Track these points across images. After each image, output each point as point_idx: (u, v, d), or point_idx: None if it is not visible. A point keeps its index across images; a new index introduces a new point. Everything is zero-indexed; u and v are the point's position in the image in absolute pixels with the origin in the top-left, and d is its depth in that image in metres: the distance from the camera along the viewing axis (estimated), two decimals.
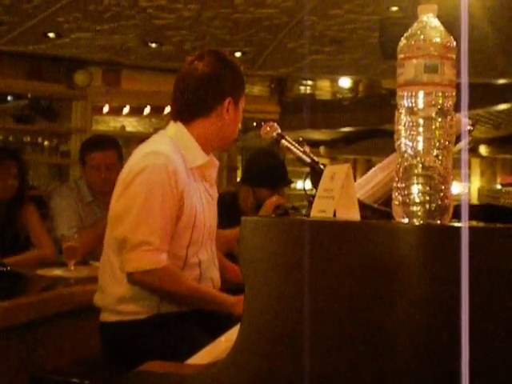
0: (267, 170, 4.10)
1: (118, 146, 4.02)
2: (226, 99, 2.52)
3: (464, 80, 1.37)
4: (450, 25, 1.44)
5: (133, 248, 2.32)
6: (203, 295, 2.45)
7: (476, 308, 1.22)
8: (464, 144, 1.79)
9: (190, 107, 2.53)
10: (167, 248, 2.36)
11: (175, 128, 2.54)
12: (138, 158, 2.44)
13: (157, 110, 8.73)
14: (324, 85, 12.67)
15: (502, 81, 8.81)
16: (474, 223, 1.42)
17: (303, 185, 2.45)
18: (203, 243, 2.53)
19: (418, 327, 1.26)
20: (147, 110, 8.75)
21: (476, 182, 16.60)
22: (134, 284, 2.37)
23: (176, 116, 2.57)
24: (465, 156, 1.50)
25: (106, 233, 2.54)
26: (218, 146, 2.63)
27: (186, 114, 2.54)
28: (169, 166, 2.35)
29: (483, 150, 15.25)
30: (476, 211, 1.90)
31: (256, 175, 4.12)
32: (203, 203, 2.52)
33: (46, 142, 10.22)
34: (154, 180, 2.34)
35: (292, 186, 5.13)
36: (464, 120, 1.78)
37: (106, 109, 8.65)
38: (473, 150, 14.80)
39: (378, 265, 1.27)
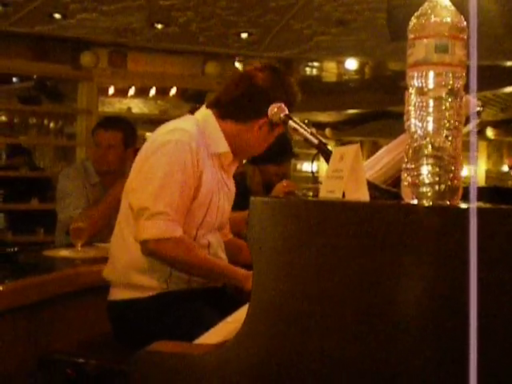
0: (270, 147, 4.08)
1: (125, 129, 4.03)
2: (263, 118, 2.52)
3: (473, 61, 1.36)
4: (459, 6, 1.43)
5: (151, 216, 2.34)
6: (216, 267, 2.47)
7: (485, 288, 1.22)
8: (473, 125, 1.78)
9: (229, 107, 2.57)
10: (182, 221, 2.40)
11: (205, 113, 2.59)
12: (163, 131, 2.50)
13: (162, 92, 8.71)
14: (330, 66, 12.62)
15: (509, 63, 8.77)
16: (482, 204, 1.41)
17: (311, 167, 2.45)
18: (213, 228, 2.57)
19: (426, 308, 1.26)
20: (153, 92, 8.73)
21: (483, 165, 16.53)
22: (147, 253, 2.39)
23: (213, 106, 2.61)
24: (473, 138, 1.49)
25: (121, 204, 2.58)
26: (237, 153, 2.65)
27: (222, 109, 2.58)
28: (192, 145, 2.40)
29: (490, 132, 15.19)
30: (482, 193, 1.90)
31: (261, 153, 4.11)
32: (219, 190, 2.56)
33: (51, 124, 10.24)
34: (178, 155, 2.38)
35: (298, 167, 5.12)
36: (473, 101, 1.77)
37: (111, 90, 8.63)
38: (479, 133, 14.73)
39: (388, 245, 1.27)
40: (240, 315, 1.86)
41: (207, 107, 2.62)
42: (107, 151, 3.96)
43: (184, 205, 2.39)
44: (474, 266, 1.21)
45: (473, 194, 1.32)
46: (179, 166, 2.37)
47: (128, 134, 4.02)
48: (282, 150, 4.11)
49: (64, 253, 3.37)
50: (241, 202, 2.76)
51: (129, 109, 9.63)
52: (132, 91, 8.83)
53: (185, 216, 2.41)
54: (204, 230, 2.51)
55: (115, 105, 10.01)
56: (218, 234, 2.67)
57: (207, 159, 2.49)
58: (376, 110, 13.18)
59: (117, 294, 2.50)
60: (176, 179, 2.36)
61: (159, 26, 7.06)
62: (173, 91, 8.42)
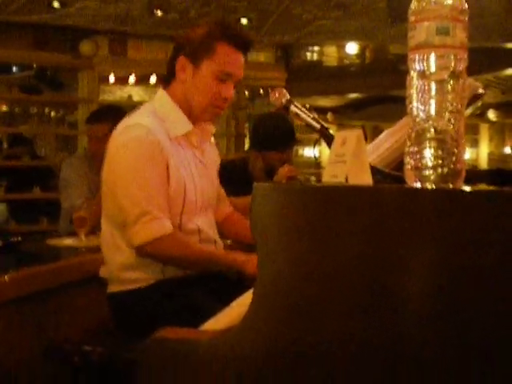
0: (272, 133, 4.06)
1: (113, 120, 3.98)
2: (177, 57, 2.46)
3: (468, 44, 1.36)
4: None
5: (134, 222, 2.31)
6: (213, 257, 2.44)
7: (487, 271, 1.22)
8: (470, 108, 1.78)
9: (166, 70, 2.53)
10: (168, 215, 2.36)
11: (160, 96, 2.54)
12: (119, 131, 2.45)
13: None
14: (331, 51, 12.60)
15: (510, 45, 8.74)
16: (484, 187, 1.42)
17: (313, 152, 2.45)
18: (197, 210, 2.51)
19: (429, 290, 1.27)
20: (153, 79, 8.71)
21: (485, 148, 16.52)
22: (145, 257, 2.37)
23: (163, 81, 2.58)
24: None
25: (102, 205, 2.54)
26: (193, 112, 2.52)
27: (165, 77, 2.55)
28: (150, 137, 2.35)
29: (491, 114, 15.18)
30: (486, 176, 1.90)
31: (262, 139, 4.10)
32: (192, 172, 2.50)
33: (52, 113, 10.25)
34: (141, 151, 2.34)
35: (300, 152, 5.12)
36: (470, 82, 1.76)
37: (112, 78, 8.61)
38: (481, 115, 14.72)
39: (391, 229, 1.27)
40: (245, 300, 1.86)
41: (163, 87, 2.56)
42: (98, 144, 3.96)
43: (164, 198, 2.35)
44: (476, 248, 1.22)
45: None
46: (145, 162, 2.33)
47: (117, 123, 3.98)
48: (285, 137, 4.09)
49: (68, 241, 3.39)
50: (243, 188, 2.76)
51: (129, 96, 9.62)
52: (132, 79, 8.81)
53: (169, 209, 2.37)
54: (187, 216, 2.46)
55: (116, 93, 10.00)
56: (209, 215, 2.62)
57: (171, 146, 2.43)
58: (377, 94, 13.17)
59: (115, 287, 2.49)
60: (147, 176, 2.32)
61: (159, 13, 7.04)
62: None
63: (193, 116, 2.52)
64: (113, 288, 2.50)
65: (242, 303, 1.80)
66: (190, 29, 2.51)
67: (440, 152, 1.34)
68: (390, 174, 1.73)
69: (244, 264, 2.33)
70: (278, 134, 4.06)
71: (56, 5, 6.63)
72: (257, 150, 4.13)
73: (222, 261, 2.42)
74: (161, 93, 2.54)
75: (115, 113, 4.10)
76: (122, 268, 2.44)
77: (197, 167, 2.54)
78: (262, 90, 9.47)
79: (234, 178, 3.56)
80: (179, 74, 2.48)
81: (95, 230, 3.50)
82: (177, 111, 2.49)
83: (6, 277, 2.50)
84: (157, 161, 2.34)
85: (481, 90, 1.90)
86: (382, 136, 2.01)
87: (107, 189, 2.46)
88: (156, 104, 2.53)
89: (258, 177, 4.05)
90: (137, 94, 10.00)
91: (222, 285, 2.41)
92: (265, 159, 4.09)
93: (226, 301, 1.96)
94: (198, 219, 2.52)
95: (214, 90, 2.47)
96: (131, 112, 2.55)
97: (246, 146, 8.63)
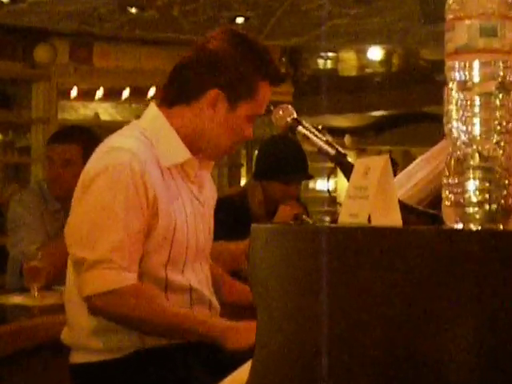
0: (278, 160, 4.00)
1: (86, 141, 3.98)
2: (209, 90, 2.45)
3: None
4: None
5: (90, 267, 2.29)
6: (184, 321, 2.37)
7: None
8: None
9: (173, 88, 2.52)
10: (135, 268, 2.33)
11: (152, 115, 2.53)
12: (99, 155, 2.44)
13: (138, 93, 8.72)
14: (349, 57, 12.68)
15: None
16: None
17: (327, 185, 2.45)
18: (188, 261, 2.49)
19: (474, 357, 1.26)
20: (126, 93, 8.76)
21: None
22: (94, 313, 2.34)
23: (160, 98, 2.58)
24: None
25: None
26: (203, 149, 2.55)
27: (167, 97, 2.53)
28: (135, 166, 2.32)
29: None
30: None
31: (265, 167, 4.06)
32: (187, 211, 2.48)
33: None
34: (116, 183, 2.32)
35: (310, 186, 5.10)
36: None
37: (74, 92, 8.66)
38: None
39: (426, 280, 1.27)
40: (241, 375, 1.85)
41: (156, 104, 2.56)
42: (63, 170, 3.94)
43: (133, 246, 2.32)
44: None
45: None
46: (120, 198, 2.31)
47: (89, 147, 3.97)
48: (292, 167, 4.02)
49: (17, 299, 3.38)
50: (240, 230, 2.75)
51: (96, 115, 9.66)
52: (100, 93, 8.86)
53: (138, 261, 2.34)
54: (175, 267, 2.44)
55: (79, 110, 10.04)
56: (205, 268, 2.60)
57: (161, 178, 2.41)
58: (408, 110, 13.22)
59: (81, 357, 2.46)
60: (117, 216, 2.30)
61: (133, 11, 7.09)
62: (151, 92, 8.44)
63: (196, 149, 2.52)
64: (77, 358, 2.48)
65: (237, 379, 1.80)
66: (214, 40, 2.51)
67: (487, 184, 1.34)
68: (424, 212, 1.73)
69: (224, 333, 2.28)
70: (281, 164, 4.00)
71: (5, 0, 6.67)
72: (256, 180, 4.09)
73: (196, 328, 2.35)
74: (154, 111, 2.53)
75: (87, 135, 4.11)
76: (91, 333, 2.41)
77: (192, 205, 2.52)
78: None
79: (230, 217, 3.56)
80: (204, 107, 2.47)
81: (51, 284, 3.49)
82: (173, 136, 2.47)
83: None
84: (135, 198, 2.32)
85: None
86: (413, 164, 2.01)
87: (71, 227, 2.44)
88: (146, 124, 2.51)
89: (257, 213, 4.00)
90: (105, 111, 10.04)
91: (214, 356, 2.37)
92: (265, 191, 4.02)
93: (218, 375, 1.95)
94: (189, 273, 2.49)
95: (243, 132, 2.53)
96: (110, 134, 2.54)
97: (244, 180, 8.63)
